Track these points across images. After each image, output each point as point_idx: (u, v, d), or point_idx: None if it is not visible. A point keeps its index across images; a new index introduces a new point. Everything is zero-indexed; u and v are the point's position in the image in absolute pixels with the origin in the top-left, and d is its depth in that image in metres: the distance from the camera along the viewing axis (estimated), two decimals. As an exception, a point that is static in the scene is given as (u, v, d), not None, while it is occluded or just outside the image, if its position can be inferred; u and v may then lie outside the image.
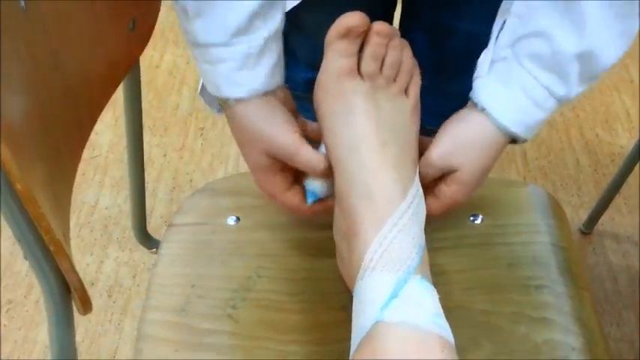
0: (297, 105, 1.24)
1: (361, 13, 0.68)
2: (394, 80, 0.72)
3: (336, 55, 0.70)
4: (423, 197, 0.72)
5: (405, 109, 0.73)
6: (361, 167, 0.69)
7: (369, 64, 0.70)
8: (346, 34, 0.69)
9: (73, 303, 0.64)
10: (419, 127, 0.75)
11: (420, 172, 0.73)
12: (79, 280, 0.60)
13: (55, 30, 0.66)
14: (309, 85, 1.14)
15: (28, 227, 0.55)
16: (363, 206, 0.68)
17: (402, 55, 0.72)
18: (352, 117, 0.70)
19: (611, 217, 1.65)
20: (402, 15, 1.10)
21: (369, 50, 0.70)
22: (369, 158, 0.69)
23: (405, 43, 0.73)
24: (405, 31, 1.08)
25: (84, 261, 1.52)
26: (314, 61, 1.10)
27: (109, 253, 1.54)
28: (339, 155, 0.70)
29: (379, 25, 0.69)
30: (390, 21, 1.10)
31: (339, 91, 0.70)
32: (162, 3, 0.87)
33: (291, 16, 0.97)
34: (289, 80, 1.17)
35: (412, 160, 0.72)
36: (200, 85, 1.07)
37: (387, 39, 0.70)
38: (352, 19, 0.68)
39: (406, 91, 0.73)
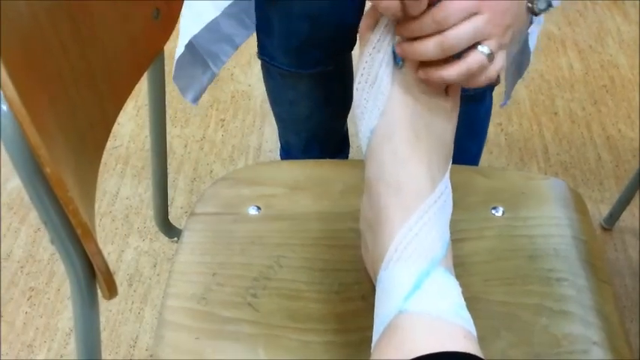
0: (280, 83, 1.26)
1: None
2: None
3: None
4: (451, 194, 0.72)
5: (442, 106, 0.72)
6: (392, 156, 0.69)
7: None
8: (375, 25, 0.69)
9: (98, 288, 0.65)
10: (455, 128, 0.74)
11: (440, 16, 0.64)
12: (105, 264, 0.60)
13: (82, 18, 0.67)
14: (287, 57, 1.15)
15: (55, 210, 0.55)
16: (391, 196, 0.68)
17: None
18: (388, 106, 0.70)
19: (632, 212, 1.64)
20: None
21: None
22: (400, 148, 0.69)
23: None
24: None
25: (105, 250, 1.53)
26: (288, 29, 1.11)
27: (130, 243, 1.55)
28: (371, 142, 0.70)
29: None
30: None
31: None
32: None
33: None
34: (265, 53, 1.18)
35: (445, 156, 0.72)
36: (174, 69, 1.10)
37: None
38: (376, 12, 0.68)
39: (446, 90, 0.73)
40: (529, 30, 1.03)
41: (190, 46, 1.10)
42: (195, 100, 1.24)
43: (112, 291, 0.61)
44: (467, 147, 1.36)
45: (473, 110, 1.27)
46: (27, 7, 0.57)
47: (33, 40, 0.58)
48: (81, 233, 0.54)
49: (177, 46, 1.10)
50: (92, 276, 0.62)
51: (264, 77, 1.30)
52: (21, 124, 0.48)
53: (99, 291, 0.65)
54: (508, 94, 1.29)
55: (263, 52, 1.20)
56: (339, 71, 1.29)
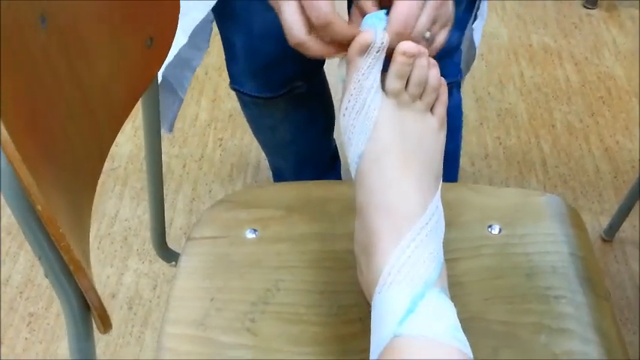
0: (256, 112, 1.26)
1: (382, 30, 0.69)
2: (420, 98, 0.72)
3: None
4: (443, 214, 0.72)
5: (429, 126, 0.73)
6: (381, 180, 0.69)
7: (392, 82, 0.70)
8: (366, 51, 0.69)
9: (93, 321, 0.65)
10: (444, 146, 0.75)
11: None
12: (99, 299, 0.60)
13: (75, 48, 0.67)
14: (255, 81, 1.15)
15: (48, 245, 0.56)
16: (382, 220, 0.68)
17: (428, 74, 0.72)
18: (375, 131, 0.70)
19: (632, 224, 1.64)
20: None
21: (393, 68, 0.70)
22: (389, 171, 0.69)
23: (434, 62, 0.73)
24: None
25: (104, 273, 1.53)
26: (251, 49, 1.11)
27: (129, 265, 1.55)
28: (359, 167, 0.71)
29: (405, 45, 0.69)
30: None
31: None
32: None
33: (222, 5, 0.99)
34: (235, 81, 1.18)
35: (435, 177, 0.72)
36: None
37: (412, 58, 0.70)
38: (370, 36, 0.69)
39: (432, 110, 0.74)
40: (473, 26, 1.07)
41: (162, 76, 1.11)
42: (171, 128, 1.24)
43: (106, 326, 0.61)
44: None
45: None
46: (20, 45, 0.57)
47: (26, 78, 0.58)
48: (73, 270, 0.55)
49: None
50: (87, 309, 0.62)
51: (241, 108, 1.30)
52: (12, 163, 0.48)
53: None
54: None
55: (233, 81, 1.19)
56: (314, 91, 1.28)
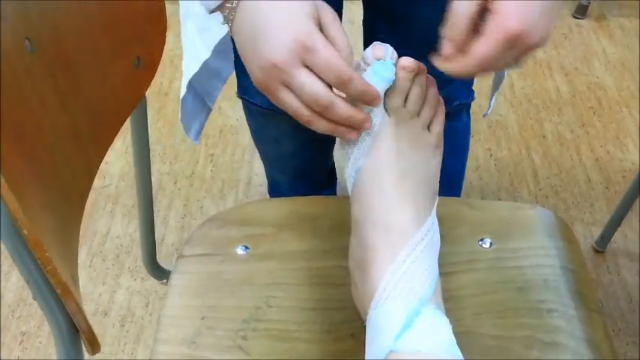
0: (262, 122, 1.26)
1: (388, 46, 0.69)
2: (418, 115, 0.73)
3: None
4: (438, 230, 0.72)
5: (426, 143, 0.73)
6: (377, 196, 0.70)
7: (393, 98, 0.71)
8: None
9: (82, 343, 0.65)
10: (440, 164, 0.75)
11: (456, 12, 0.66)
12: (86, 322, 0.60)
13: (61, 70, 0.67)
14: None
15: (36, 269, 0.55)
16: (378, 235, 0.68)
17: (426, 91, 0.72)
18: (373, 147, 0.70)
19: (624, 234, 1.64)
20: (363, 6, 1.10)
21: (393, 85, 0.70)
22: (386, 187, 0.70)
23: (432, 79, 0.73)
24: (367, 21, 1.08)
25: (96, 291, 1.52)
26: None
27: (121, 283, 1.55)
28: (356, 182, 0.71)
29: (405, 61, 0.70)
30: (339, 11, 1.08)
31: None
32: (171, 32, 0.88)
33: None
34: (245, 92, 1.18)
35: (431, 193, 0.73)
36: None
37: (412, 74, 0.70)
38: (381, 51, 0.69)
39: (429, 127, 0.74)
40: None
41: (190, 86, 1.11)
42: (197, 137, 1.24)
43: (94, 348, 0.61)
44: (450, 163, 1.38)
45: (451, 127, 1.28)
46: (5, 67, 0.57)
47: (11, 100, 0.58)
48: (61, 293, 0.54)
49: (181, 86, 1.11)
50: (76, 331, 0.62)
51: (246, 116, 1.30)
52: (-2, 189, 0.48)
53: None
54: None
55: (241, 91, 1.20)
56: None
